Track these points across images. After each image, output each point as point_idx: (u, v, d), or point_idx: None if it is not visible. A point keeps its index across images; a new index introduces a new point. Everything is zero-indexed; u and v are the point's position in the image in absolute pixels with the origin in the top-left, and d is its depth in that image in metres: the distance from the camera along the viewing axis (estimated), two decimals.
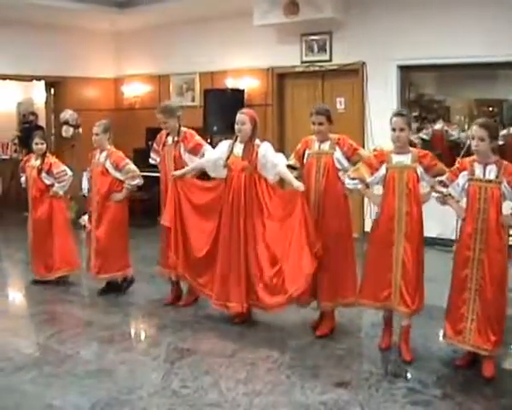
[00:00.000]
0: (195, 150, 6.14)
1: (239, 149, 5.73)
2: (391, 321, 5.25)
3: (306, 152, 5.52)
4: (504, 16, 8.01)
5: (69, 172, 7.11)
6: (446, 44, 8.44)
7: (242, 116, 5.70)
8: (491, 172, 4.61)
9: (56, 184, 7.07)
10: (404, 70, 9.26)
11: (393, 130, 4.97)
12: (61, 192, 7.13)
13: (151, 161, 6.54)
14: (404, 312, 5.02)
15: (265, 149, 5.68)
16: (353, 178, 5.21)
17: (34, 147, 7.09)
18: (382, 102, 9.08)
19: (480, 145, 4.59)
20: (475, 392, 4.45)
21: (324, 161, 5.40)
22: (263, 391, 4.50)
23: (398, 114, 5.02)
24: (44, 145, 7.10)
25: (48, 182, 7.09)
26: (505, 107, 9.11)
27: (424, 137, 9.31)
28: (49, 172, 7.05)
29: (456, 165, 4.91)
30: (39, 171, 7.04)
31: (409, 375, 4.80)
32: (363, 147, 8.95)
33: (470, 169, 4.70)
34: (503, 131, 8.89)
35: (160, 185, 6.42)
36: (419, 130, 9.37)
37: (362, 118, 9.43)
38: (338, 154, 5.37)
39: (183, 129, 6.24)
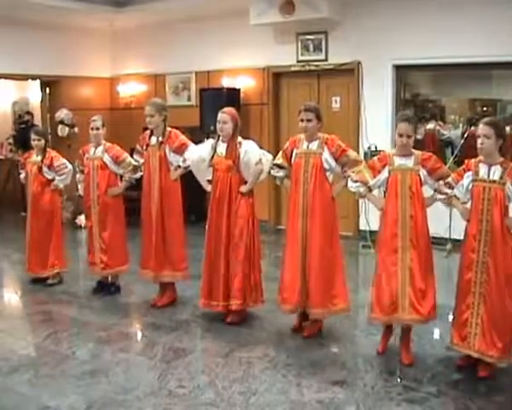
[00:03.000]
0: (180, 150, 6.15)
1: (222, 148, 5.75)
2: (391, 327, 5.18)
3: (294, 151, 5.49)
4: (500, 16, 8.02)
5: (69, 166, 7.09)
6: (442, 44, 8.46)
7: (224, 115, 5.70)
8: (496, 172, 4.55)
9: (57, 178, 7.06)
10: (400, 70, 9.26)
11: (400, 135, 4.88)
12: (61, 185, 7.13)
13: (134, 162, 6.56)
14: (417, 320, 4.88)
15: (247, 148, 5.69)
16: (355, 181, 5.17)
17: (32, 143, 7.09)
18: (378, 102, 9.12)
19: (486, 143, 4.52)
20: (470, 389, 4.48)
21: (313, 161, 5.36)
22: (259, 390, 4.51)
23: (405, 120, 4.89)
24: (42, 141, 7.07)
25: (49, 177, 7.09)
26: (499, 107, 9.13)
27: (417, 136, 9.33)
28: (50, 167, 7.05)
29: (463, 166, 4.84)
30: (40, 167, 7.03)
31: (405, 373, 4.81)
32: (358, 146, 9.02)
33: (475, 170, 4.65)
34: None
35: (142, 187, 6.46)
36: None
37: (357, 117, 9.44)
38: (326, 154, 5.35)
39: (168, 129, 6.25)
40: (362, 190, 5.16)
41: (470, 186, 4.68)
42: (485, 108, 9.24)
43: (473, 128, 9.14)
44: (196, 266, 6.41)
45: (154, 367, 4.96)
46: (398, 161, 4.96)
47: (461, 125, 9.13)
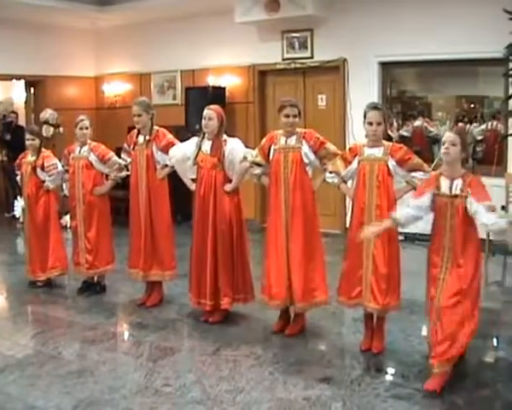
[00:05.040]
0: (167, 149, 6.13)
1: (207, 145, 5.73)
2: (371, 322, 5.21)
3: (272, 147, 5.46)
4: (485, 13, 8.03)
5: (59, 166, 6.97)
6: (427, 41, 8.48)
7: (209, 112, 5.69)
8: (458, 186, 4.35)
9: (47, 178, 6.97)
10: (386, 67, 9.29)
11: (370, 124, 4.91)
12: (51, 186, 7.02)
13: (121, 161, 6.55)
14: (374, 308, 5.00)
15: (233, 146, 5.68)
16: (331, 172, 5.23)
17: (26, 143, 6.99)
18: (364, 99, 9.00)
19: (451, 150, 4.30)
20: (457, 385, 4.47)
21: (292, 156, 5.34)
22: (246, 388, 4.51)
23: (374, 108, 4.95)
24: (36, 140, 6.96)
25: (43, 178, 6.99)
26: (486, 103, 9.18)
27: (405, 134, 9.38)
28: (43, 168, 6.96)
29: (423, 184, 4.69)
30: (34, 167, 6.95)
31: (391, 369, 4.83)
32: (345, 143, 9.02)
33: (436, 184, 4.46)
34: (483, 126, 9.01)
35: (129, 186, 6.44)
36: (400, 127, 9.44)
37: (343, 114, 9.45)
38: (305, 148, 5.33)
39: (156, 127, 6.25)
40: (336, 180, 5.23)
41: (430, 202, 4.49)
42: (472, 105, 9.30)
43: (461, 124, 9.21)
44: (183, 265, 6.40)
45: (140, 366, 4.95)
46: (367, 151, 5.01)
47: (448, 122, 9.17)
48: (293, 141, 5.38)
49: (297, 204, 5.34)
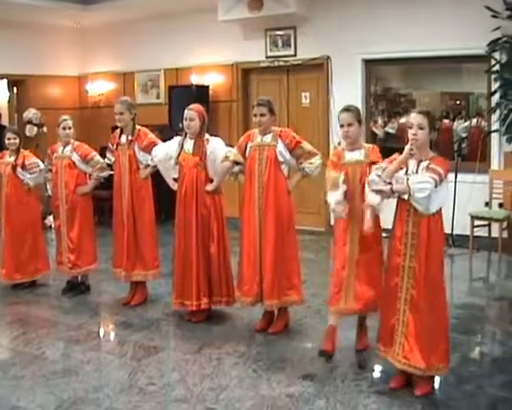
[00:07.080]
0: (149, 148, 6.13)
1: (189, 145, 5.73)
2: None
3: (248, 145, 5.48)
4: (468, 10, 8.06)
5: (41, 165, 6.93)
6: (411, 38, 8.51)
7: (191, 113, 5.69)
8: (424, 167, 4.17)
9: (27, 176, 6.90)
10: (369, 64, 9.31)
11: (341, 126, 4.83)
12: (31, 183, 6.93)
13: (107, 160, 6.56)
14: (357, 309, 4.88)
15: (215, 145, 5.69)
16: (331, 188, 4.84)
17: (7, 142, 6.91)
18: (348, 96, 9.10)
19: (420, 134, 4.12)
20: (440, 380, 4.49)
21: (266, 154, 5.36)
22: (229, 385, 4.52)
23: (344, 110, 4.85)
24: (17, 140, 6.91)
25: (23, 177, 6.92)
26: (471, 100, 9.23)
27: (390, 131, 9.41)
28: (23, 168, 6.90)
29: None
30: (14, 167, 6.88)
31: (375, 366, 4.84)
32: (328, 141, 9.05)
33: (405, 165, 4.25)
34: (466, 123, 9.08)
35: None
36: (386, 124, 9.48)
37: (327, 112, 9.47)
38: (280, 146, 5.34)
39: (138, 127, 6.26)
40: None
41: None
42: (458, 102, 9.34)
43: (447, 121, 9.28)
44: (167, 264, 6.41)
45: (124, 365, 4.94)
46: (348, 155, 4.88)
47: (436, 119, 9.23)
48: (268, 139, 5.40)
49: (270, 202, 5.34)
